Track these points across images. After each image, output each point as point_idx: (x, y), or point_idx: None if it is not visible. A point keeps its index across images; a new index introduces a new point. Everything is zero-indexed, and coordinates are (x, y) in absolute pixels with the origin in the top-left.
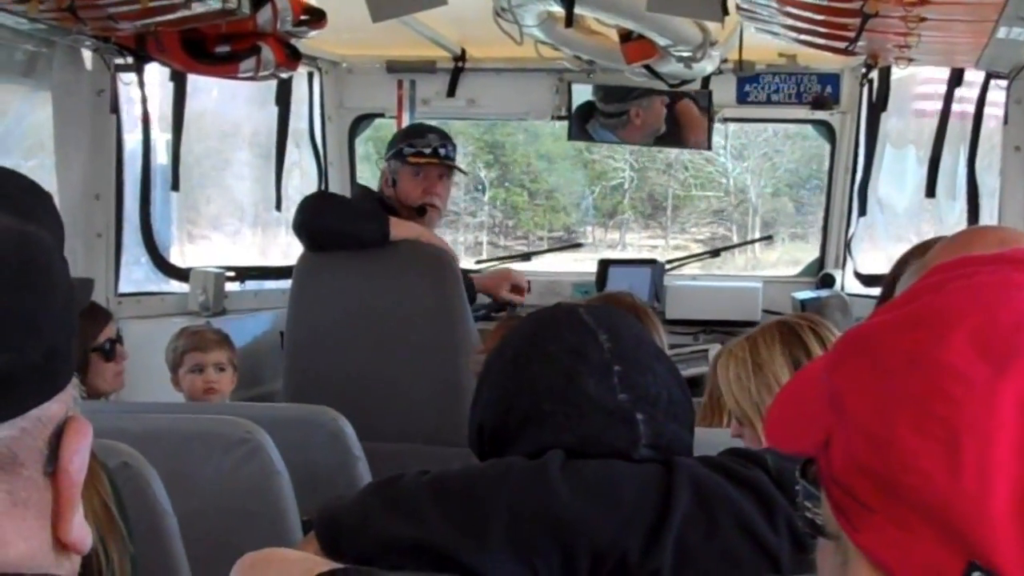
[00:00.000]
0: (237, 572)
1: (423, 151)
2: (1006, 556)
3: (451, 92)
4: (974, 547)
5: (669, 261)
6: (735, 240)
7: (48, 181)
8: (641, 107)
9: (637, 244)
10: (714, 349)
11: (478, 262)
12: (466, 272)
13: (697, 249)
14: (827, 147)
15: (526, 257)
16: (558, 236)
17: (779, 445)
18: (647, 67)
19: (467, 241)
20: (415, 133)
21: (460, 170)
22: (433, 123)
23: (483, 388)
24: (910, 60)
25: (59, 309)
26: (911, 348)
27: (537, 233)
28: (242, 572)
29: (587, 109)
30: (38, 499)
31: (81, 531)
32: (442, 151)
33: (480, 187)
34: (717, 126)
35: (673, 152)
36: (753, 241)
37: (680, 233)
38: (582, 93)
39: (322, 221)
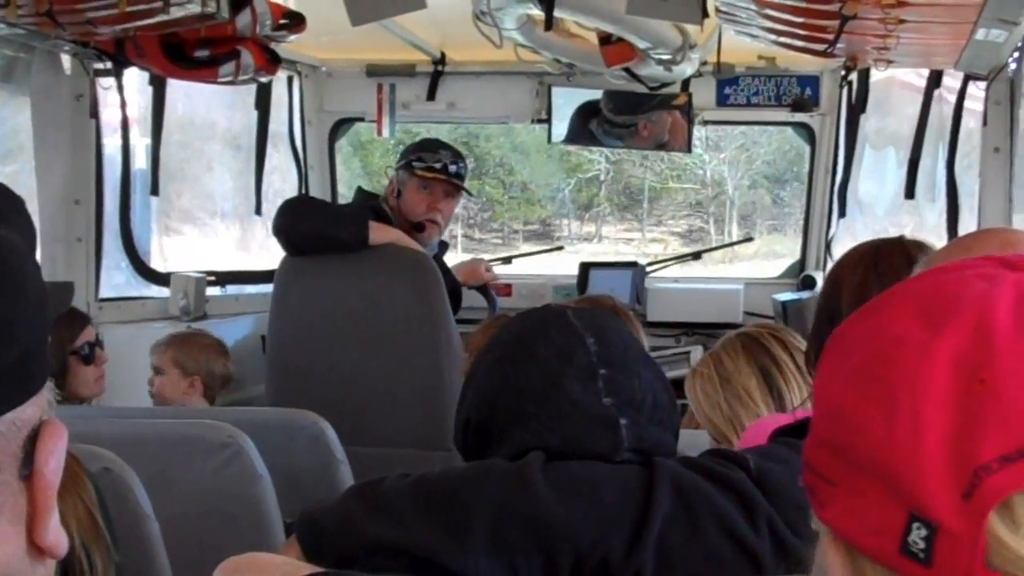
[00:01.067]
0: (217, 573)
1: (433, 166)
2: (942, 505)
3: (431, 96)
4: (913, 499)
5: (650, 264)
6: (712, 233)
7: (28, 186)
8: (650, 120)
9: (613, 237)
10: (696, 351)
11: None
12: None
13: (674, 242)
14: (806, 146)
15: (507, 260)
16: (534, 229)
17: None
18: (627, 70)
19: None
20: (428, 147)
21: (467, 192)
22: (414, 127)
23: (469, 387)
24: (889, 62)
25: (32, 312)
26: (866, 329)
27: (512, 226)
28: (223, 574)
29: (588, 110)
30: (13, 504)
31: (57, 535)
32: (452, 168)
33: None
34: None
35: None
36: (735, 243)
37: (656, 226)
38: (562, 96)
39: (301, 225)
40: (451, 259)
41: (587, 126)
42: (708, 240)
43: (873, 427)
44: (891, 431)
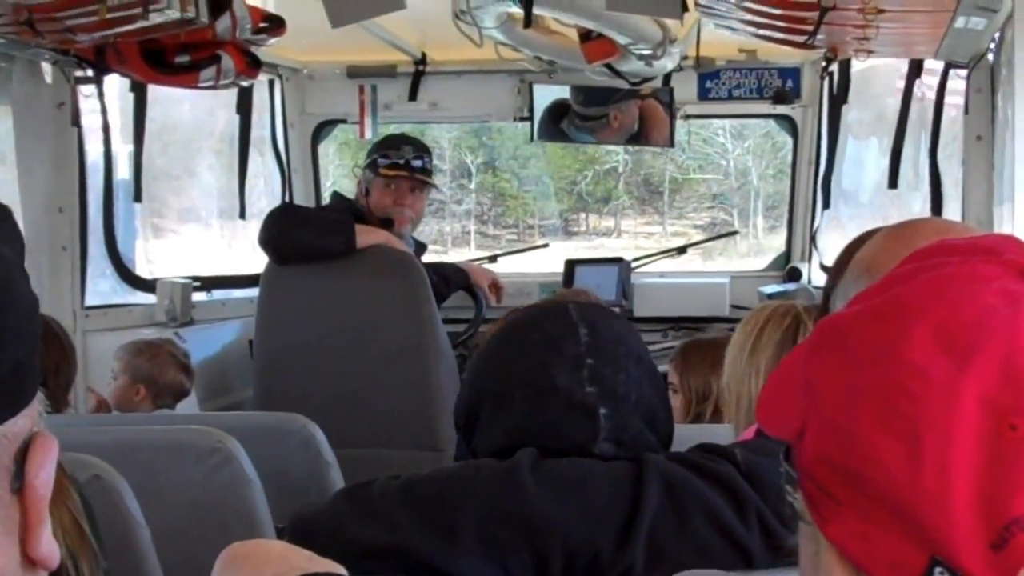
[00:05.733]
0: (217, 564)
1: (396, 162)
2: (967, 553)
3: (412, 96)
4: (936, 543)
5: (635, 259)
6: (736, 225)
7: (10, 195)
8: (620, 110)
9: (633, 231)
10: None
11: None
12: (453, 266)
13: (697, 235)
14: (783, 134)
15: (492, 259)
16: (550, 224)
17: (764, 427)
18: (608, 66)
19: (454, 231)
20: (390, 144)
21: (432, 185)
22: (397, 128)
23: (470, 371)
24: (869, 52)
25: (21, 324)
26: (876, 341)
27: (528, 221)
28: (221, 564)
29: (558, 109)
30: (5, 516)
31: (50, 547)
32: (416, 163)
33: (466, 173)
34: None
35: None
36: (719, 237)
37: (678, 219)
38: (544, 93)
39: (288, 237)
40: (465, 255)
41: (558, 125)
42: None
43: (895, 467)
44: (916, 475)
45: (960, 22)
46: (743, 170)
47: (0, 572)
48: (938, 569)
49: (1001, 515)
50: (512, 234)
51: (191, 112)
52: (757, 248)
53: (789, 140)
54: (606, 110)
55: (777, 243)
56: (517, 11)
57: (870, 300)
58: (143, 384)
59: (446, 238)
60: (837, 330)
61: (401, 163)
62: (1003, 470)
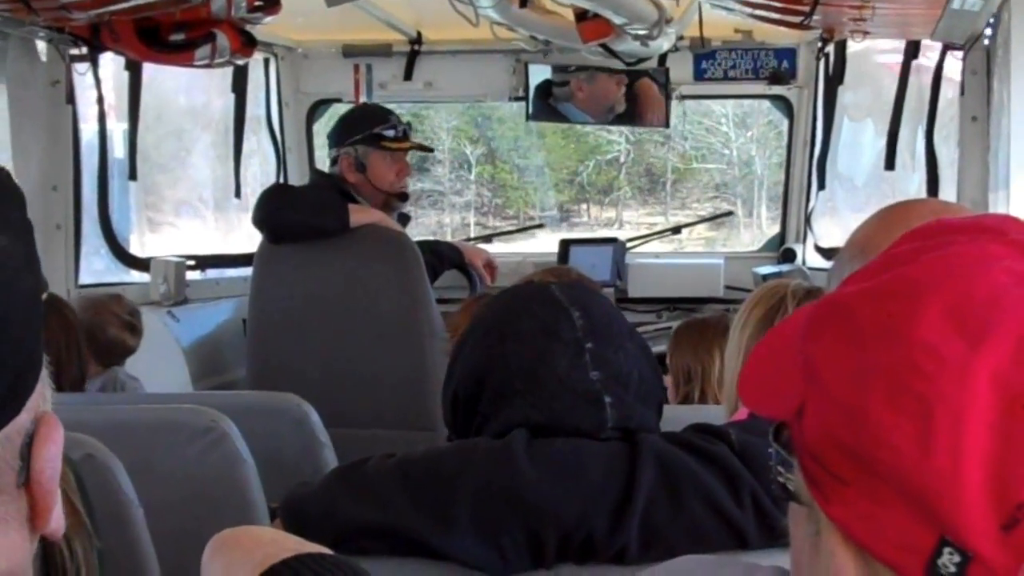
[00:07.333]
0: (207, 550)
1: (391, 135)
2: (978, 534)
3: (408, 75)
4: (946, 524)
5: (630, 239)
6: (740, 215)
7: None
8: (581, 80)
9: (635, 222)
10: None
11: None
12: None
13: (700, 226)
14: (786, 122)
15: (487, 240)
16: (551, 215)
17: (751, 406)
18: (603, 46)
19: (453, 222)
20: (380, 118)
21: (428, 149)
22: (393, 107)
23: (456, 366)
24: (865, 33)
25: (19, 332)
26: (885, 320)
27: (528, 212)
28: (211, 550)
29: (546, 87)
30: (16, 511)
31: (58, 521)
32: (406, 131)
33: (466, 165)
34: None
35: (671, 122)
36: (715, 217)
37: (681, 209)
38: (539, 73)
39: (283, 215)
40: None
41: (547, 102)
42: (736, 223)
43: (905, 446)
44: (927, 455)
45: (956, 3)
46: (747, 159)
47: (21, 564)
48: (947, 550)
49: (1013, 496)
50: (512, 225)
51: (187, 91)
52: (761, 238)
53: None
54: (567, 77)
55: (778, 230)
56: None
57: (872, 279)
58: (85, 341)
59: (445, 230)
60: (842, 309)
61: (401, 135)
62: (1015, 450)
